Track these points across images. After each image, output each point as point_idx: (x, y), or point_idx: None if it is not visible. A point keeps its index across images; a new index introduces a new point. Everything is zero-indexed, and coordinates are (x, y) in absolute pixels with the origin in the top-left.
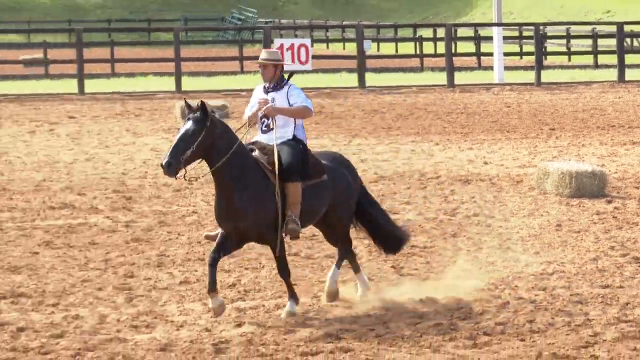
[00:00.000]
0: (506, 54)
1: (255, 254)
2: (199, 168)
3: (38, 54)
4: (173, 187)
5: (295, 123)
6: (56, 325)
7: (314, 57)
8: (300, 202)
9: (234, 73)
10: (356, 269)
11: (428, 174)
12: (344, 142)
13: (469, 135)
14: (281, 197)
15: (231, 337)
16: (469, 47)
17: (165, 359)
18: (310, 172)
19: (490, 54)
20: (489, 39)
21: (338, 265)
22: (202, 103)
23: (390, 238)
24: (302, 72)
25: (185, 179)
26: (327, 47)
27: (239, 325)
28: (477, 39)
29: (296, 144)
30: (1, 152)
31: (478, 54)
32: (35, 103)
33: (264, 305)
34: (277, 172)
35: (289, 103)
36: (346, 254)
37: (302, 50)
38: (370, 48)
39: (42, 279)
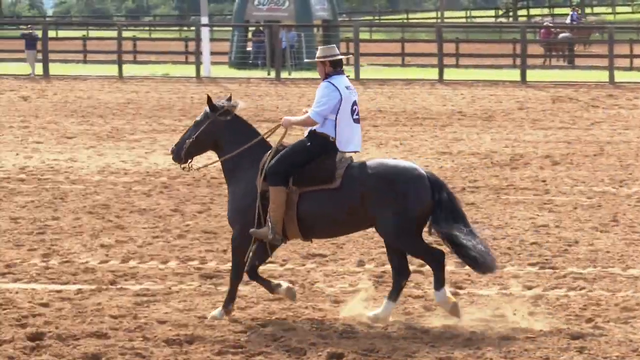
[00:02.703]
0: None
1: None
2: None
3: None
4: None
5: (335, 117)
6: None
7: None
8: (290, 208)
9: None
10: (437, 285)
11: None
12: None
13: None
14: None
15: None
16: None
17: None
18: (312, 176)
19: None
20: None
21: (392, 297)
22: (208, 98)
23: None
24: None
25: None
26: None
27: None
28: None
29: (302, 142)
30: None
31: None
32: None
33: None
34: (260, 172)
35: None
36: (399, 280)
37: None
38: None
39: None
